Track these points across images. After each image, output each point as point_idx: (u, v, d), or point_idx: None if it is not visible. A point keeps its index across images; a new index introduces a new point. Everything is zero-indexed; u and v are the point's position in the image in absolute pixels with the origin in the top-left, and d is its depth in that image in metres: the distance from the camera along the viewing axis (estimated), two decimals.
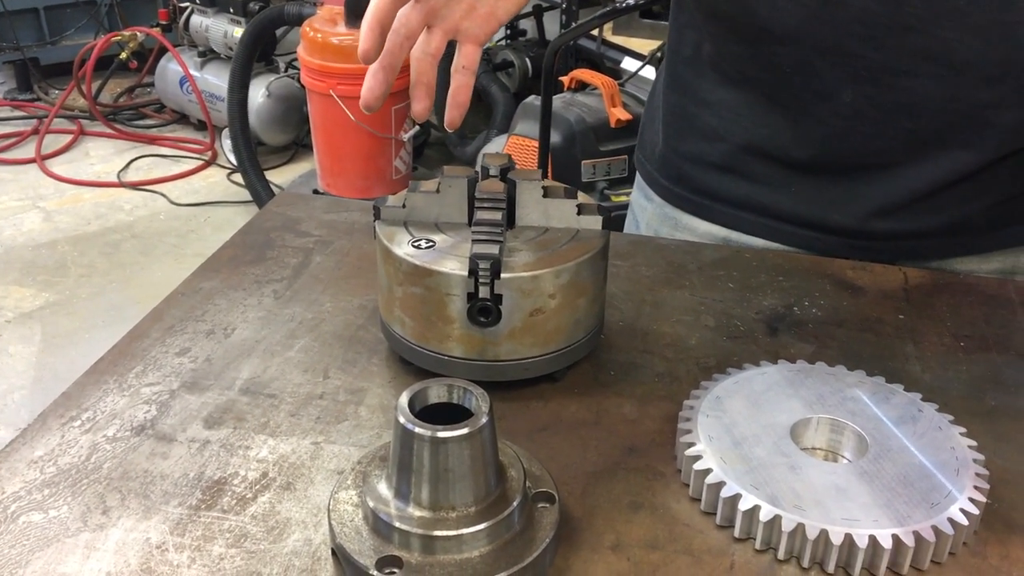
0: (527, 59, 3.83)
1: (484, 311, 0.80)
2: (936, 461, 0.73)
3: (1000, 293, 1.02)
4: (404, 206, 0.86)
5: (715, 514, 0.72)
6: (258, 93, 4.25)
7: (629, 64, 3.11)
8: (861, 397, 0.80)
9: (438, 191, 0.85)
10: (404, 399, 0.66)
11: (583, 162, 2.59)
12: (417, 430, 0.64)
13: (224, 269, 1.04)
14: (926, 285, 1.03)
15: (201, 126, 4.87)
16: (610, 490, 0.75)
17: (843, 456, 0.78)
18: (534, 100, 2.77)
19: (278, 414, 0.82)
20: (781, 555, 0.68)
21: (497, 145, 2.87)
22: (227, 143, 4.39)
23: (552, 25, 4.14)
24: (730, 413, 0.78)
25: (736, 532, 0.70)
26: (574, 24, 3.29)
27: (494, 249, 0.79)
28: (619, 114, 2.66)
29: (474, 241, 0.80)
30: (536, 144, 2.65)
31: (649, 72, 2.76)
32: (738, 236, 1.15)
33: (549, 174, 2.58)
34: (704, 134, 1.15)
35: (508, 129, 3.09)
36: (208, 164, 4.70)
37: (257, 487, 0.74)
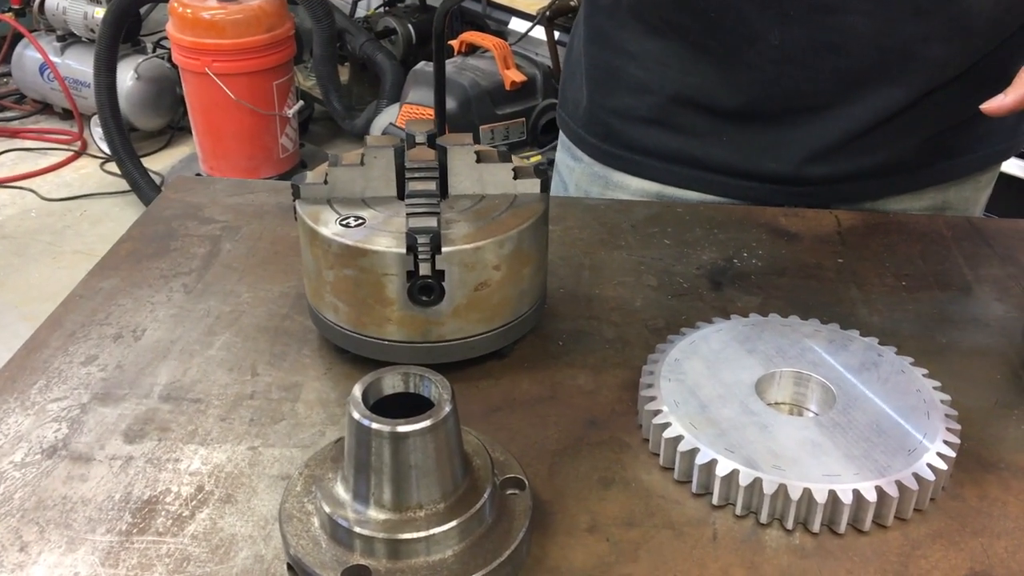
0: (409, 25, 3.73)
1: (425, 289, 0.74)
2: (904, 406, 0.71)
3: (932, 229, 1.02)
4: (326, 182, 0.79)
5: (690, 482, 0.68)
6: (126, 76, 4.02)
7: (517, 25, 3.06)
8: (819, 347, 0.77)
9: (362, 163, 0.79)
10: (357, 392, 0.60)
11: (481, 127, 2.53)
12: (374, 426, 0.59)
13: (124, 266, 0.95)
14: (859, 227, 1.02)
15: (67, 115, 4.59)
16: (577, 468, 0.71)
17: (808, 409, 0.75)
18: (424, 66, 2.69)
19: (206, 420, 0.75)
20: (764, 519, 0.66)
21: (389, 115, 2.79)
22: (97, 131, 4.15)
23: None
24: (691, 375, 0.74)
25: (715, 499, 0.67)
26: None
27: (432, 222, 0.73)
28: (513, 76, 2.60)
29: (409, 215, 0.74)
30: (431, 112, 2.58)
31: (539, 32, 2.71)
32: (672, 191, 1.12)
33: None
34: (630, 87, 1.11)
35: (398, 98, 3.00)
36: (78, 155, 4.44)
37: (194, 503, 0.67)
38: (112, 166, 4.08)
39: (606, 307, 0.89)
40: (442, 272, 0.74)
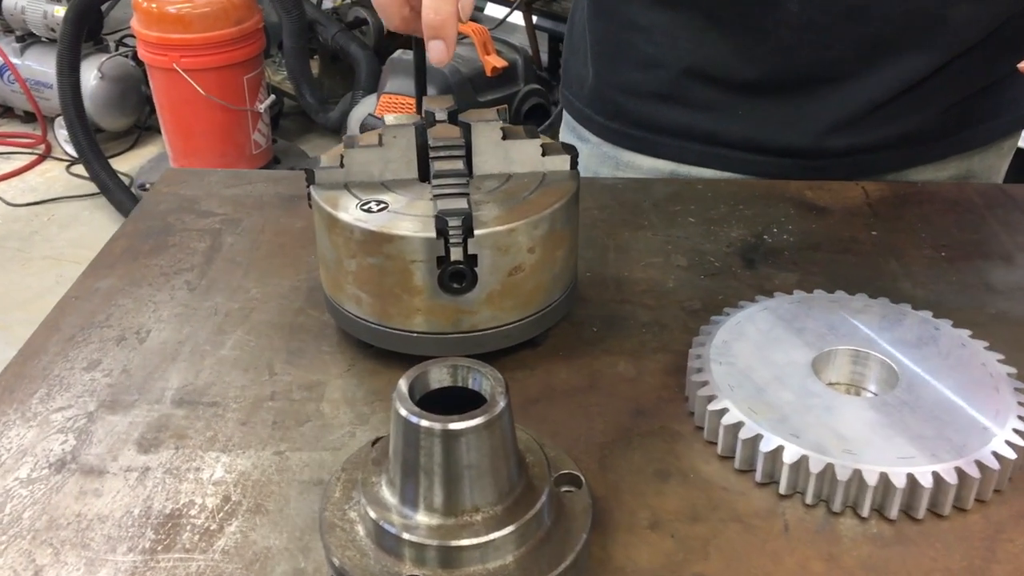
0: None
1: (457, 276, 0.69)
2: (971, 381, 0.67)
3: (963, 197, 0.99)
4: (342, 165, 0.74)
5: (753, 471, 0.64)
6: (90, 76, 3.91)
7: (493, 10, 3.00)
8: (872, 323, 0.73)
9: (381, 144, 0.73)
10: (403, 386, 0.55)
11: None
12: (424, 423, 0.54)
13: (120, 264, 0.89)
14: (888, 198, 0.98)
15: (29, 118, 4.47)
16: (629, 460, 0.66)
17: (866, 389, 0.71)
18: (402, 55, 2.63)
19: (226, 425, 0.69)
20: (836, 507, 0.61)
21: (367, 106, 2.72)
22: (62, 133, 4.05)
23: None
24: (742, 357, 0.70)
25: (782, 488, 0.63)
26: None
27: (462, 203, 0.68)
28: (494, 62, 2.55)
29: (437, 196, 0.69)
30: (411, 101, 2.52)
31: (517, 17, 2.66)
32: (686, 169, 1.08)
33: None
34: (639, 62, 1.06)
35: (375, 89, 2.93)
36: (43, 158, 4.32)
37: (221, 515, 0.62)
38: (79, 169, 3.98)
39: (637, 289, 0.84)
40: (474, 257, 0.69)
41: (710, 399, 0.67)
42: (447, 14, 0.68)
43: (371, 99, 2.81)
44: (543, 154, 0.75)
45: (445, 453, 0.54)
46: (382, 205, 0.71)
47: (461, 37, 2.90)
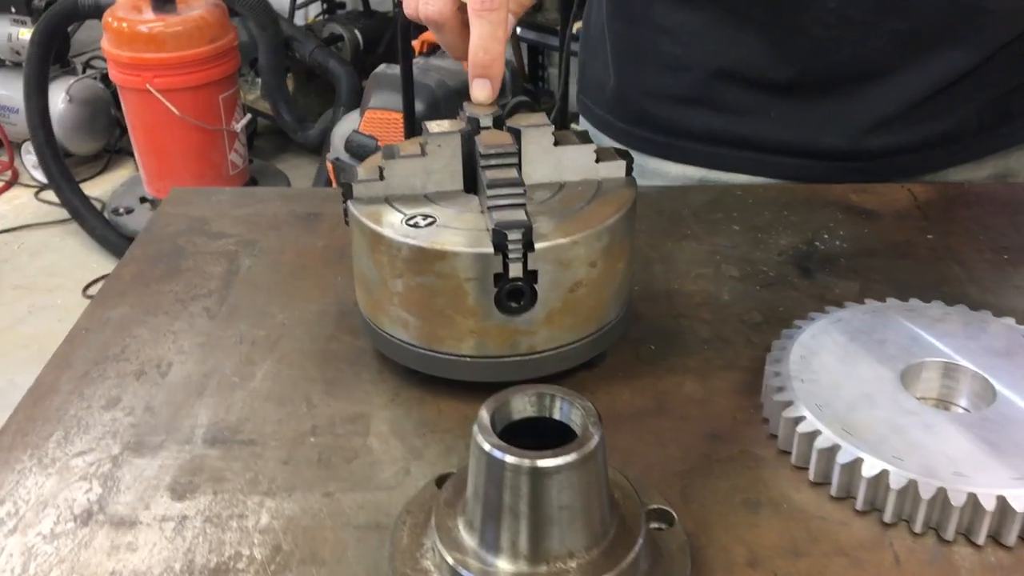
0: (356, 31, 3.60)
1: (515, 294, 0.64)
2: None
3: (1013, 198, 0.95)
4: (382, 177, 0.68)
5: (851, 498, 0.59)
6: (58, 99, 3.81)
7: None
8: (956, 332, 0.69)
9: (424, 153, 0.68)
10: (485, 417, 0.49)
11: None
12: (510, 459, 0.48)
13: (131, 291, 0.82)
14: (937, 200, 0.94)
15: None
16: (714, 490, 0.61)
17: (957, 404, 0.66)
18: (387, 69, 2.57)
19: (266, 465, 0.63)
20: (948, 535, 0.56)
21: (350, 123, 2.65)
22: (30, 158, 3.94)
23: None
24: (825, 373, 0.65)
25: (887, 516, 0.57)
26: None
27: (520, 214, 0.63)
28: None
29: (492, 208, 0.63)
30: (398, 116, 2.46)
31: None
32: (716, 175, 1.03)
33: None
34: (665, 64, 1.01)
35: (357, 104, 2.87)
36: (9, 185, 4.21)
37: (273, 567, 0.55)
38: (48, 195, 3.88)
39: (691, 303, 0.79)
40: (534, 273, 0.63)
41: (798, 420, 0.61)
42: (496, 54, 0.67)
43: (354, 115, 2.75)
44: (596, 160, 0.70)
45: (534, 493, 0.49)
46: (429, 219, 0.65)
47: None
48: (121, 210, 3.62)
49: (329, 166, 2.75)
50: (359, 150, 2.61)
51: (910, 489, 0.56)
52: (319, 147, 3.22)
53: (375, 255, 0.66)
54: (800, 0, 0.91)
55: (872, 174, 0.99)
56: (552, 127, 0.68)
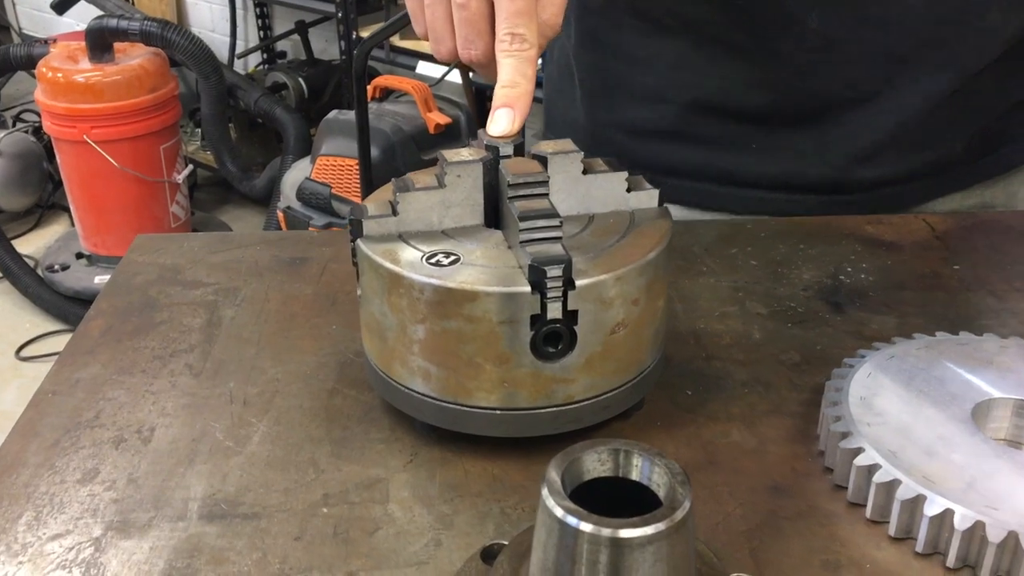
0: (300, 80, 3.53)
1: (553, 337, 0.57)
2: None
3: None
4: (395, 212, 0.61)
5: (942, 554, 0.53)
6: None
7: (424, 68, 2.91)
8: (1019, 366, 0.64)
9: (441, 185, 0.61)
10: (555, 476, 0.43)
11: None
12: (587, 528, 0.41)
13: (101, 348, 0.74)
14: (954, 229, 0.90)
15: None
16: (787, 551, 0.54)
17: None
18: (338, 115, 2.50)
19: (275, 542, 0.55)
20: None
21: (301, 170, 2.57)
22: None
23: (319, 43, 3.87)
24: (890, 415, 0.59)
25: (984, 572, 0.52)
26: (354, 34, 3.04)
27: (558, 248, 0.56)
28: (437, 118, 2.44)
29: (525, 242, 0.57)
30: (351, 162, 2.39)
31: (454, 75, 2.57)
32: (697, 214, 0.97)
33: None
34: (638, 97, 0.96)
35: (305, 152, 2.79)
36: None
37: None
38: None
39: (721, 343, 0.73)
40: (574, 313, 0.57)
41: (872, 469, 0.55)
42: (526, 90, 0.63)
43: (303, 163, 2.67)
44: (628, 190, 0.64)
45: (614, 568, 0.42)
46: (453, 257, 0.59)
47: (400, 95, 2.81)
48: (56, 267, 3.47)
49: (280, 215, 2.66)
50: (312, 198, 2.53)
51: (1009, 542, 0.51)
52: (265, 197, 3.13)
53: (391, 298, 0.59)
54: (781, 22, 0.87)
55: (857, 207, 0.94)
56: (581, 154, 0.63)
